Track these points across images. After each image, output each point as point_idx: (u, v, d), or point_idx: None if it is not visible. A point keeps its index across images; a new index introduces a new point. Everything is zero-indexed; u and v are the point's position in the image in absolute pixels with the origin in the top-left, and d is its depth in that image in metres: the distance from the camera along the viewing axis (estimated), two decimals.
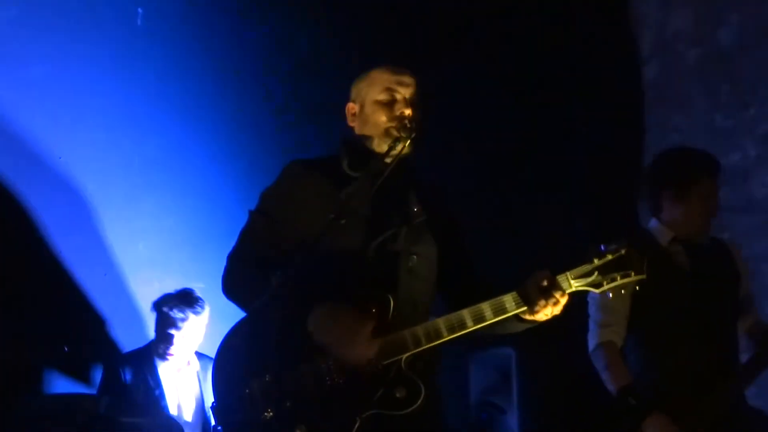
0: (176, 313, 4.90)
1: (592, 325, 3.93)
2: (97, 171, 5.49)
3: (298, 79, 5.86)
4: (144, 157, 5.60)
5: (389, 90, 3.08)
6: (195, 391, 4.98)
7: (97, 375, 5.04)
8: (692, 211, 3.90)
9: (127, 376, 4.83)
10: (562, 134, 6.31)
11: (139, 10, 5.66)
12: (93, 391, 4.92)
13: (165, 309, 4.92)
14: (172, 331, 4.88)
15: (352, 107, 3.19)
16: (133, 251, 5.50)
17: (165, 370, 4.93)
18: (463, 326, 2.83)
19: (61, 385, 4.93)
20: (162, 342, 4.92)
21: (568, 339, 4.30)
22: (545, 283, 2.82)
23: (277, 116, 5.83)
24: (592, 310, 3.93)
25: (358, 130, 3.15)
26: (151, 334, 5.04)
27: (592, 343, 3.90)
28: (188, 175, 5.66)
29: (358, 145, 3.11)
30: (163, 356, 4.92)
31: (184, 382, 4.97)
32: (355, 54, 5.65)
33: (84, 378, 5.09)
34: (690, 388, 3.74)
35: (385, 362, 2.78)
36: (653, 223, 4.04)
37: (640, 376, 3.85)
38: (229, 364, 2.89)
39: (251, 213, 3.12)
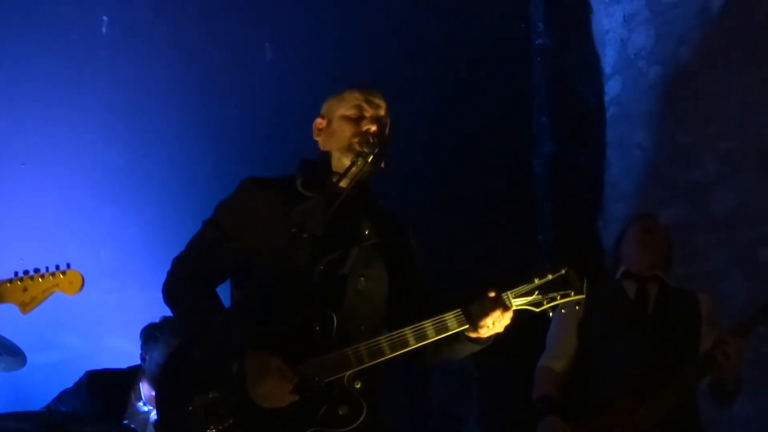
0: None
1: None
2: (59, 178, 5.47)
3: (263, 91, 5.86)
4: (106, 165, 5.58)
5: (358, 107, 3.12)
6: None
7: (55, 384, 4.94)
8: (631, 244, 4.32)
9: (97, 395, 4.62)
10: (525, 149, 6.37)
11: (105, 18, 5.65)
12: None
13: (170, 337, 4.58)
14: None
15: (319, 122, 3.23)
16: (94, 259, 5.47)
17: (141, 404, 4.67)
18: (405, 344, 2.85)
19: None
20: None
21: (527, 350, 4.35)
22: (488, 300, 2.84)
23: (241, 126, 5.82)
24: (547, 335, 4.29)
25: (321, 146, 3.19)
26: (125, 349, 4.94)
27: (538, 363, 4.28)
28: (151, 183, 5.64)
29: (316, 165, 3.16)
30: None
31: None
32: (319, 67, 5.68)
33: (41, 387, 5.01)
34: (630, 396, 3.90)
35: (328, 380, 2.80)
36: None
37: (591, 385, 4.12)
38: (174, 379, 2.92)
39: (204, 223, 3.15)
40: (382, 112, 3.14)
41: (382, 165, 3.13)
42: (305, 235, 2.81)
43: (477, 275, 5.31)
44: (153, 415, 4.64)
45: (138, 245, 5.52)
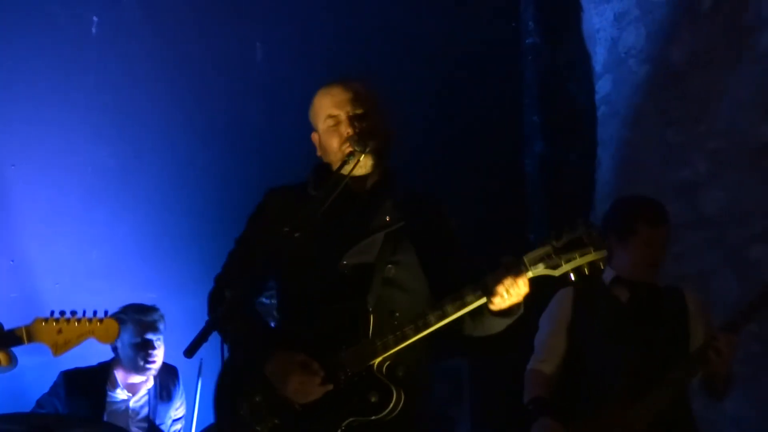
0: (151, 317, 4.69)
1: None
2: (50, 179, 5.46)
3: (254, 91, 5.86)
4: (97, 166, 5.57)
5: (330, 116, 3.12)
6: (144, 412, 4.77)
7: (46, 386, 4.92)
8: (633, 257, 3.99)
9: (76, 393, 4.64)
10: (516, 148, 6.37)
11: (95, 18, 5.64)
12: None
13: (136, 315, 4.68)
14: (151, 336, 4.66)
15: (315, 137, 3.25)
16: (85, 260, 5.46)
17: (119, 392, 4.72)
18: (428, 324, 2.85)
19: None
20: (140, 351, 4.64)
21: (518, 350, 4.34)
22: (501, 267, 2.80)
23: (233, 126, 5.82)
24: (536, 338, 4.20)
25: (324, 159, 3.22)
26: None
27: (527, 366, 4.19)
28: (142, 184, 5.64)
29: (325, 169, 3.18)
30: (143, 369, 4.65)
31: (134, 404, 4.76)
32: (310, 66, 5.68)
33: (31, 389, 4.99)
34: (623, 396, 3.87)
35: (358, 370, 2.86)
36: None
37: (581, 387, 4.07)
38: (226, 387, 3.06)
39: (235, 240, 3.25)
40: (354, 106, 3.11)
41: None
42: (297, 234, 2.81)
43: (469, 274, 5.31)
44: (132, 403, 4.73)
45: (130, 246, 5.52)
